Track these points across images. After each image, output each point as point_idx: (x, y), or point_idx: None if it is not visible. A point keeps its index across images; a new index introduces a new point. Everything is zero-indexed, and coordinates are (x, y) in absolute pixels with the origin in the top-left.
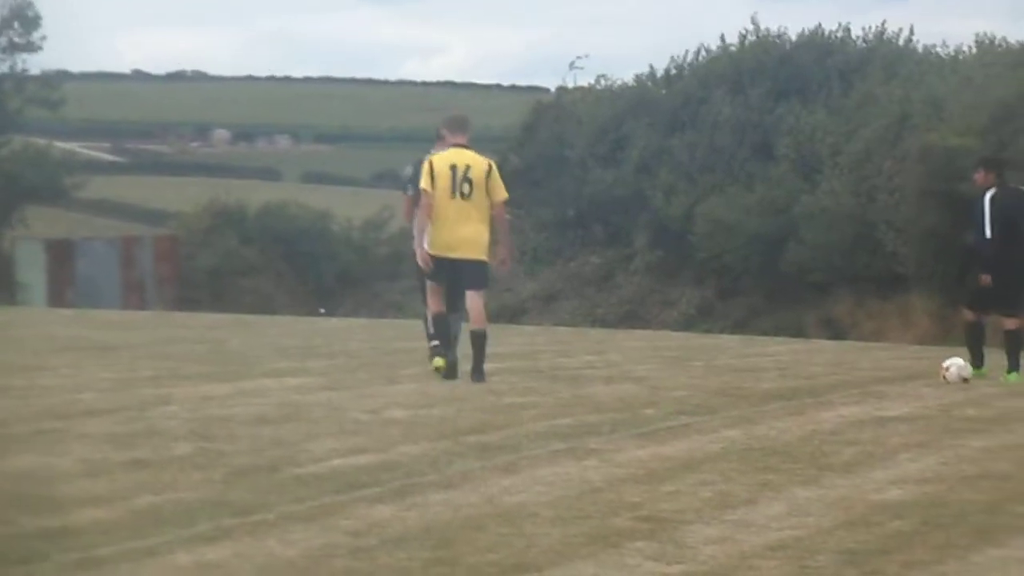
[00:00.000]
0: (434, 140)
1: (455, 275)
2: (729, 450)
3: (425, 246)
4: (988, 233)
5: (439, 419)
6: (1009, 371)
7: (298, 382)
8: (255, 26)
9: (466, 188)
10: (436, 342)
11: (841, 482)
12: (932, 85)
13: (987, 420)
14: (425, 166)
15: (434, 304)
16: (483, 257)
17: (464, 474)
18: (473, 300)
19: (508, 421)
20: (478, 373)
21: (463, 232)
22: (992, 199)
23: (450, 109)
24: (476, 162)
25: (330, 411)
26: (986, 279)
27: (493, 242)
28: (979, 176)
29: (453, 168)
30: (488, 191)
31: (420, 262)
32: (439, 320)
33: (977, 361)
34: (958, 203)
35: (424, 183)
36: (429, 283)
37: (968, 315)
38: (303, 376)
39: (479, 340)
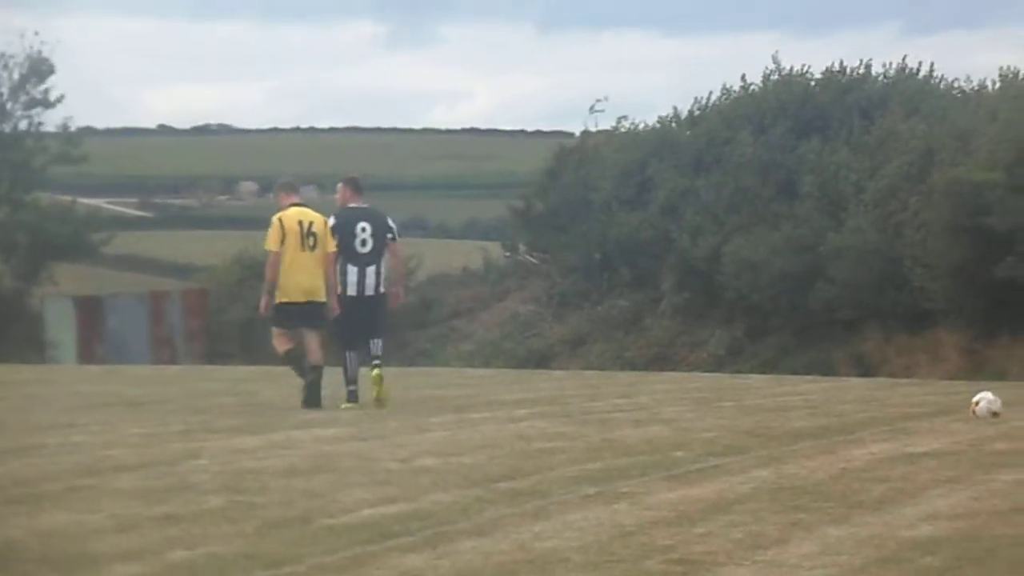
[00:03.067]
0: (460, 188)
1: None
2: (759, 490)
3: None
4: None
5: (469, 466)
6: None
7: (328, 432)
8: (279, 78)
9: (311, 241)
10: (353, 386)
11: (872, 520)
12: (956, 120)
13: (1018, 454)
14: (275, 224)
15: (282, 344)
16: (324, 300)
17: (495, 521)
18: (313, 337)
19: (538, 466)
20: (313, 401)
21: (312, 280)
22: None
23: (472, 155)
24: (317, 218)
25: (360, 461)
26: None
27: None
28: None
29: (300, 224)
30: (325, 244)
31: (263, 308)
32: (292, 357)
33: None
34: (986, 237)
35: (272, 243)
36: (277, 328)
37: None
38: (333, 427)
39: (318, 373)
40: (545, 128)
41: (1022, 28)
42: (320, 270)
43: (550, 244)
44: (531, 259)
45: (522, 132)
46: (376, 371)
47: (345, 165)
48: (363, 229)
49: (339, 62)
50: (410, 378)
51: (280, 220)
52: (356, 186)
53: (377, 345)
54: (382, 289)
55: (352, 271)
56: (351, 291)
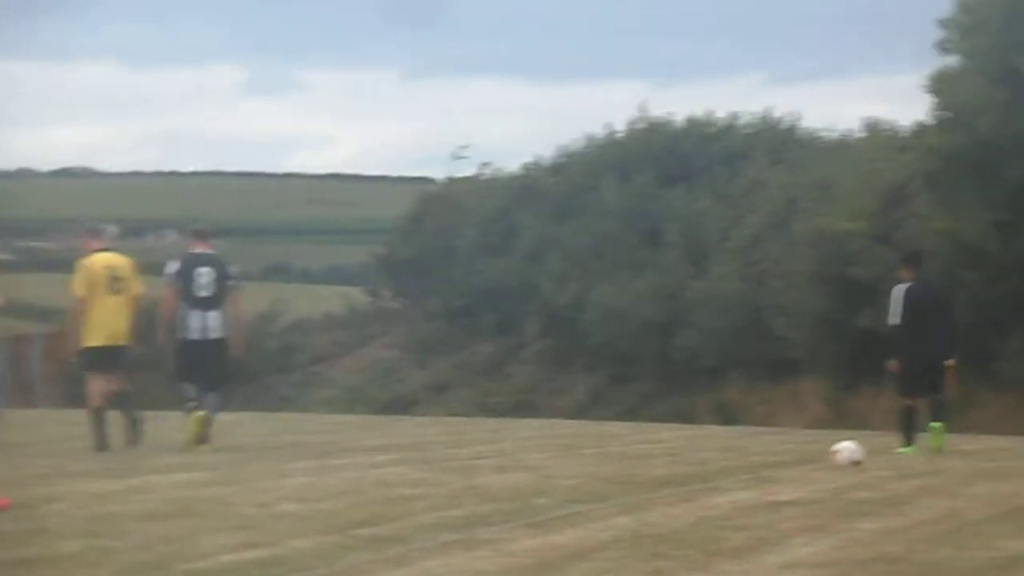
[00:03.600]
0: (323, 233)
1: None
2: (620, 538)
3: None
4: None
5: (329, 512)
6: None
7: (187, 477)
8: (142, 121)
9: (117, 285)
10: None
11: (732, 568)
12: (820, 169)
13: (879, 502)
14: (81, 270)
15: (96, 388)
16: (127, 343)
17: (354, 567)
18: (112, 380)
19: (399, 513)
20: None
21: (118, 323)
22: (907, 293)
23: (335, 200)
24: (123, 262)
25: (219, 505)
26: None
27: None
28: (902, 273)
29: (107, 268)
30: (131, 287)
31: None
32: (99, 417)
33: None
34: (849, 287)
35: (78, 289)
36: (89, 372)
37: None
38: (192, 471)
39: (101, 415)
40: (409, 174)
41: (885, 79)
42: (125, 314)
43: (413, 290)
44: (394, 305)
45: (385, 178)
46: (200, 414)
47: (207, 209)
48: (202, 274)
49: (202, 106)
50: (271, 423)
51: (86, 265)
52: (201, 234)
53: (213, 400)
54: (223, 334)
55: (195, 315)
56: (194, 335)
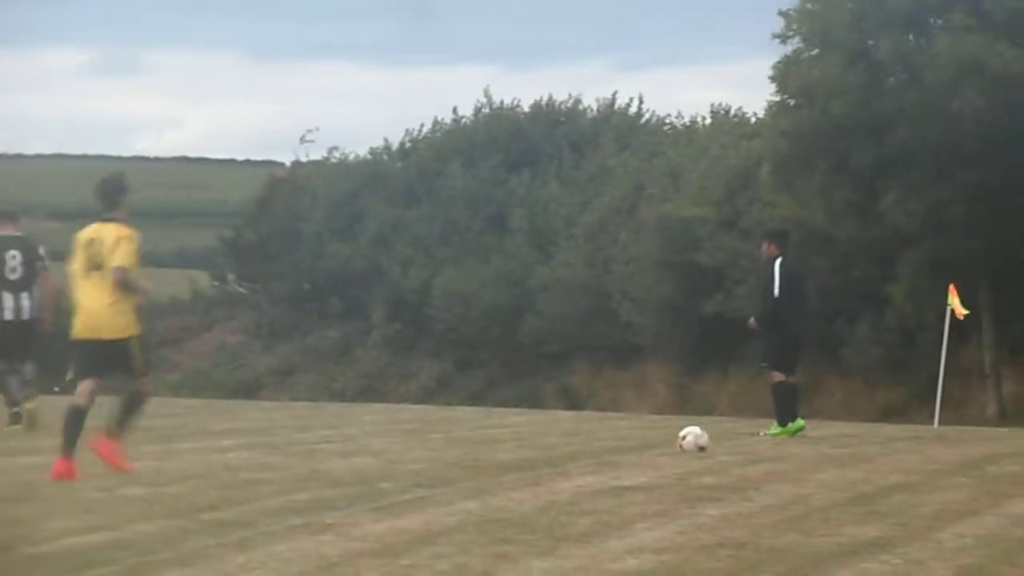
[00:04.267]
0: (169, 216)
1: None
2: (466, 522)
3: None
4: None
5: (174, 496)
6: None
7: (32, 461)
8: None
9: None
10: (16, 408)
11: (578, 552)
12: (667, 156)
13: (724, 488)
14: None
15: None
16: None
17: (199, 551)
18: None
19: (244, 497)
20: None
21: None
22: (781, 267)
23: (182, 183)
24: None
25: (64, 489)
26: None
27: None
28: (765, 247)
29: None
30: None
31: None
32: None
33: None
34: (695, 273)
35: None
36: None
37: (778, 376)
38: (36, 455)
39: None
40: (256, 158)
41: (734, 66)
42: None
43: (260, 274)
44: (240, 289)
45: (232, 161)
46: (28, 401)
47: (52, 192)
48: (13, 257)
49: (45, 88)
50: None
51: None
52: (7, 216)
53: (29, 369)
54: (34, 314)
55: (7, 297)
56: (8, 315)
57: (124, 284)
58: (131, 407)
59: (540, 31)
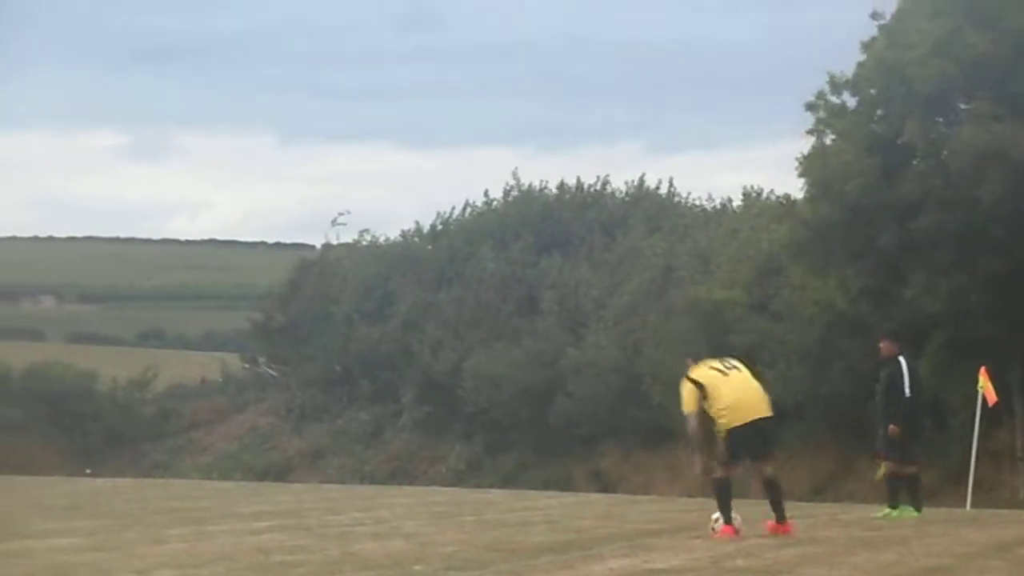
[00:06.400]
0: (198, 299)
1: None
2: None
3: None
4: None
5: None
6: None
7: (65, 543)
8: (18, 186)
9: None
10: None
11: None
12: (698, 238)
13: (756, 571)
14: None
15: None
16: None
17: None
18: None
19: None
20: None
21: None
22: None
23: (211, 266)
24: None
25: (97, 572)
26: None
27: None
28: (885, 346)
29: None
30: None
31: None
32: None
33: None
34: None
35: None
36: None
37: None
38: (69, 536)
39: None
40: (286, 240)
41: (763, 150)
42: None
43: (290, 356)
44: (270, 371)
45: (263, 244)
46: None
47: (82, 275)
48: None
49: (79, 171)
50: (147, 490)
51: None
52: None
53: None
54: None
55: None
56: None
57: None
58: None
59: (567, 113)
